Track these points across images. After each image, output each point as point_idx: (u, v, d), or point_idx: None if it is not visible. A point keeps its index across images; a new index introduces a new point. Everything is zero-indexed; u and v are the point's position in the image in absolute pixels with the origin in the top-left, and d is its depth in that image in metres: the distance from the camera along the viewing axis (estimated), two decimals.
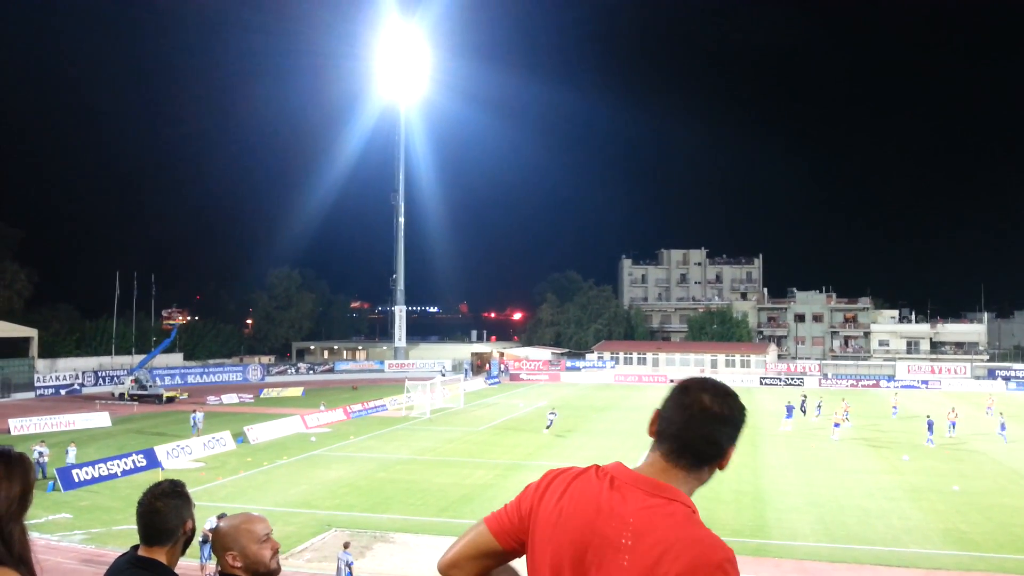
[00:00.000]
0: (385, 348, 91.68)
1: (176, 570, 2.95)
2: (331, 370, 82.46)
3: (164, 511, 2.81)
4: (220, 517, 19.20)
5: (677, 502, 1.94)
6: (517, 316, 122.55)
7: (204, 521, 18.42)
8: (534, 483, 2.17)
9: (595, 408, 50.96)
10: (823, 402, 48.85)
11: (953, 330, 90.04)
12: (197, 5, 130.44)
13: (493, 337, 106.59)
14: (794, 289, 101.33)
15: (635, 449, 32.17)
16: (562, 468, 2.17)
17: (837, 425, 40.55)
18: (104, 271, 75.15)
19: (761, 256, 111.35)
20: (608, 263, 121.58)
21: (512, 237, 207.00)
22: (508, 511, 2.16)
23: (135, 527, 2.88)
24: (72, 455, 30.20)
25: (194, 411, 39.95)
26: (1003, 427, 39.37)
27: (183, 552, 2.91)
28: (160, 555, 2.80)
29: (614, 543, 1.92)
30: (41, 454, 28.65)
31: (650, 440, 2.12)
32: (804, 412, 46.36)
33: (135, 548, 2.86)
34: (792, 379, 73.74)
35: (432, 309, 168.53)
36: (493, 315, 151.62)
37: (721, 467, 2.07)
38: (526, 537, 2.11)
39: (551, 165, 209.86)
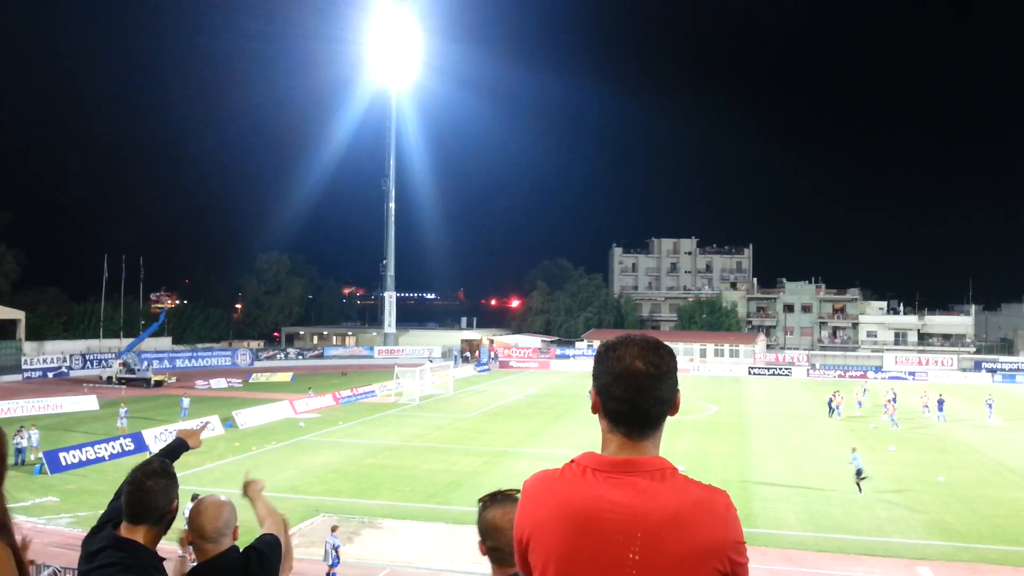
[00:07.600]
0: (375, 334, 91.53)
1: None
2: (320, 356, 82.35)
3: (154, 490, 2.81)
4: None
5: (661, 469, 1.96)
6: (515, 304, 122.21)
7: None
8: (520, 502, 2.08)
9: (584, 396, 50.97)
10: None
11: (940, 322, 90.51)
12: None
13: (490, 326, 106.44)
14: (784, 279, 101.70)
15: None
16: (538, 474, 2.08)
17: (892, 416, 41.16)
18: (92, 254, 74.86)
19: (751, 246, 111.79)
20: (599, 251, 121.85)
21: (504, 224, 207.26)
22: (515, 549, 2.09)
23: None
24: (35, 439, 29.54)
25: (183, 396, 40.14)
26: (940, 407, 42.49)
27: (165, 531, 2.90)
28: (141, 533, 2.79)
29: (623, 531, 1.88)
30: (21, 438, 28.48)
31: (595, 417, 2.06)
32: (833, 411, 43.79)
33: (111, 526, 2.84)
34: (780, 369, 74.11)
35: (429, 295, 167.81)
36: (493, 302, 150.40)
37: (673, 413, 2.05)
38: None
39: (543, 152, 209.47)
